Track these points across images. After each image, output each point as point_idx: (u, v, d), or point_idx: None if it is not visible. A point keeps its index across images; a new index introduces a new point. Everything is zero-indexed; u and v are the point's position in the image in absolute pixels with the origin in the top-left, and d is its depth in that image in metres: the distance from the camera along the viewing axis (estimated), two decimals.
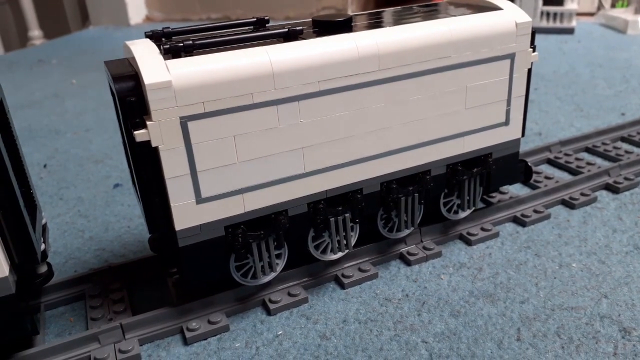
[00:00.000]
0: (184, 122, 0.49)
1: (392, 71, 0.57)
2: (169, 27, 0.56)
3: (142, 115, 0.48)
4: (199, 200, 0.52)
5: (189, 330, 0.57)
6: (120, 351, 0.54)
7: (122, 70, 0.49)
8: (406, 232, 0.67)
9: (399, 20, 0.61)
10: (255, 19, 0.60)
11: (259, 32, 0.53)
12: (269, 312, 0.60)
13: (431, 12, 0.66)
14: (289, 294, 0.61)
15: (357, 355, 0.54)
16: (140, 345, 0.56)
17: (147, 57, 0.48)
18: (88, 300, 0.62)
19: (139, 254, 0.72)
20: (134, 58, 0.49)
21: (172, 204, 0.51)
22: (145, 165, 0.50)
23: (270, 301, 0.60)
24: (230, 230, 0.55)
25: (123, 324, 0.56)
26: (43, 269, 0.55)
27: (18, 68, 1.93)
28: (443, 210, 0.70)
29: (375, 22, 0.61)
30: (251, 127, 0.52)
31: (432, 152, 0.63)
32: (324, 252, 0.63)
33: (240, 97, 0.50)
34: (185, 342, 0.57)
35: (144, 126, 0.48)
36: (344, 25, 0.58)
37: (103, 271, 0.65)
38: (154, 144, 0.48)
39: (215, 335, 0.57)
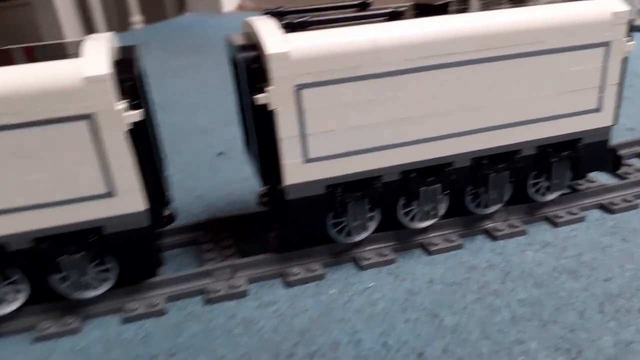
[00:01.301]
0: (298, 89, 0.55)
1: (488, 52, 0.61)
2: (283, 6, 0.63)
3: (262, 82, 0.55)
4: (306, 160, 0.59)
5: (290, 274, 0.64)
6: (232, 286, 0.62)
7: (244, 42, 0.57)
8: (493, 208, 0.71)
9: (496, 7, 0.65)
10: (359, 2, 0.66)
11: (365, 12, 0.59)
12: (360, 268, 0.66)
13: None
14: (379, 254, 0.67)
15: (442, 310, 0.59)
16: (248, 283, 0.64)
17: (268, 30, 0.55)
18: (201, 245, 0.71)
19: (243, 210, 0.80)
20: (255, 32, 0.56)
21: (283, 162, 0.58)
22: (262, 125, 0.57)
23: (362, 258, 0.66)
24: (330, 190, 0.61)
25: (233, 264, 0.64)
26: (167, 212, 0.64)
27: None
28: (531, 191, 0.73)
29: (473, 7, 0.65)
30: (355, 97, 0.57)
31: (523, 132, 0.66)
32: (412, 219, 0.68)
33: (348, 69, 0.56)
34: (287, 284, 0.64)
35: (264, 91, 0.55)
36: (442, 9, 0.63)
37: (212, 221, 0.74)
38: (272, 107, 0.55)
39: (313, 282, 0.64)
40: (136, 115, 0.52)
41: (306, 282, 0.64)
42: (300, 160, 0.58)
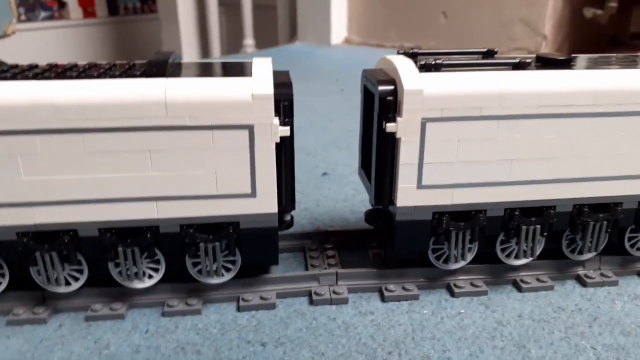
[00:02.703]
0: (424, 122, 0.62)
1: (601, 108, 0.65)
2: (415, 48, 0.70)
3: (394, 113, 0.62)
4: (419, 186, 0.65)
5: (387, 290, 0.70)
6: (334, 292, 0.69)
7: (383, 77, 0.64)
8: (587, 256, 0.74)
9: (610, 65, 0.69)
10: (485, 50, 0.72)
11: (494, 60, 0.65)
12: (452, 294, 0.71)
13: (632, 61, 0.72)
14: (472, 284, 0.71)
15: (530, 343, 0.62)
16: (348, 292, 0.70)
17: (406, 69, 0.62)
18: (307, 252, 0.78)
19: (344, 227, 0.87)
20: (392, 69, 0.64)
21: (399, 185, 0.65)
22: (385, 151, 0.64)
23: (455, 286, 0.71)
24: (436, 216, 0.67)
25: (338, 272, 0.71)
26: (287, 217, 0.72)
27: None
28: (627, 244, 0.75)
29: (590, 64, 0.69)
30: (474, 134, 0.63)
31: (627, 186, 0.69)
32: (508, 256, 0.72)
33: (472, 109, 0.62)
34: (383, 299, 0.70)
35: (394, 121, 0.62)
36: (564, 63, 0.68)
37: (320, 233, 0.82)
38: (398, 135, 0.62)
39: (407, 300, 0.69)
40: (286, 130, 0.61)
41: (401, 300, 0.69)
42: (413, 185, 0.65)
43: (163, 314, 0.67)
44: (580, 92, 0.63)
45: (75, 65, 0.64)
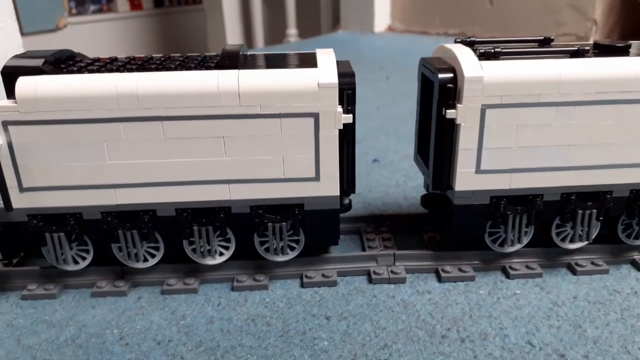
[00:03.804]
0: (483, 109, 0.64)
1: None
2: (473, 37, 0.72)
3: (454, 100, 0.65)
4: (477, 170, 0.67)
5: (444, 271, 0.72)
6: (392, 272, 0.72)
7: (442, 65, 0.67)
8: None
9: None
10: (542, 37, 0.73)
11: (552, 48, 0.67)
12: (507, 276, 0.73)
13: None
14: (527, 267, 0.73)
15: (585, 323, 0.64)
16: (405, 273, 0.73)
17: (466, 57, 0.64)
18: (364, 234, 0.82)
19: (397, 211, 0.90)
20: (451, 57, 0.66)
21: (457, 170, 0.67)
22: (446, 136, 0.67)
23: (511, 268, 0.73)
24: (494, 201, 0.69)
25: (395, 253, 0.74)
26: (346, 201, 0.75)
27: None
28: None
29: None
30: (532, 120, 0.65)
31: None
32: (563, 240, 0.74)
33: (530, 95, 0.64)
34: (439, 279, 0.72)
35: (454, 107, 0.64)
36: (622, 50, 0.68)
37: (375, 216, 0.85)
38: (458, 122, 0.65)
39: (463, 281, 0.72)
40: (349, 118, 0.64)
41: (457, 281, 0.72)
42: (472, 170, 0.67)
43: (233, 289, 0.71)
44: (638, 79, 0.64)
45: (151, 58, 0.69)
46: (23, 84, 0.62)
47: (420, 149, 0.78)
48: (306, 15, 3.37)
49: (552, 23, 2.44)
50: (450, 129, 0.66)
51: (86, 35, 3.41)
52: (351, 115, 0.65)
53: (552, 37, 0.73)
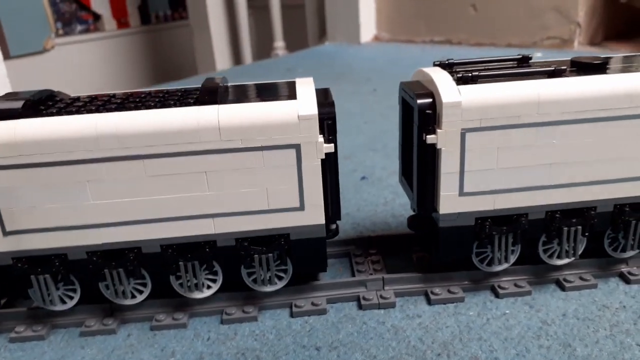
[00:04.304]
0: (463, 132, 0.64)
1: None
2: (452, 59, 0.72)
3: (433, 125, 0.65)
4: (461, 193, 0.67)
5: (433, 294, 0.72)
6: (382, 297, 0.72)
7: (421, 90, 0.67)
8: (630, 253, 0.75)
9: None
10: (520, 56, 0.73)
11: (529, 68, 0.67)
12: (496, 295, 0.73)
13: None
14: (515, 285, 0.73)
15: (575, 342, 0.64)
16: (395, 297, 0.73)
17: (444, 82, 0.65)
18: (353, 257, 0.82)
19: (386, 231, 0.90)
20: (430, 81, 0.66)
21: (441, 193, 0.67)
22: (426, 161, 0.67)
23: (500, 287, 0.73)
24: (479, 222, 0.69)
25: (384, 277, 0.74)
26: (333, 226, 0.75)
27: (273, 74, 2.31)
28: None
29: (628, 66, 0.70)
30: (512, 142, 0.65)
31: None
32: (551, 256, 0.74)
33: (510, 117, 0.64)
34: (429, 302, 0.72)
35: (434, 132, 0.65)
36: (599, 67, 0.69)
37: (363, 238, 0.85)
38: (438, 146, 0.65)
39: (452, 303, 0.72)
40: (330, 147, 0.64)
41: (447, 303, 0.72)
42: (455, 193, 0.67)
43: (222, 322, 0.71)
44: (617, 96, 0.65)
45: (131, 95, 0.69)
46: (2, 128, 0.61)
47: (405, 171, 0.78)
48: (293, 28, 3.38)
49: (537, 27, 2.46)
50: (431, 154, 0.66)
51: (74, 55, 3.41)
52: (332, 144, 0.65)
53: (530, 56, 0.73)
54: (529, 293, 0.73)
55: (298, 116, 0.62)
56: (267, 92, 0.68)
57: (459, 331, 0.67)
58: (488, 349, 0.64)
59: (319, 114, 0.63)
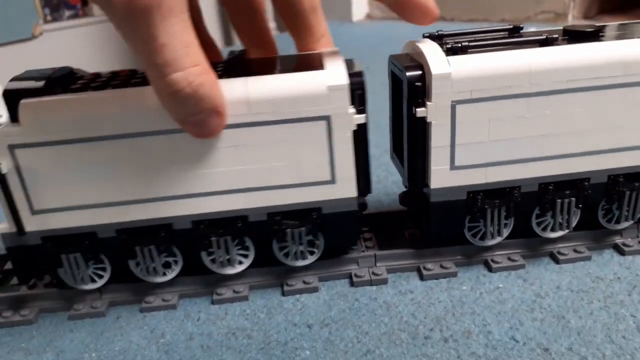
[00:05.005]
0: (454, 105, 0.63)
1: (635, 77, 0.64)
2: (441, 30, 0.71)
3: (423, 97, 0.63)
4: (452, 167, 0.66)
5: (425, 269, 0.72)
6: (374, 274, 0.71)
7: (410, 62, 0.65)
8: (624, 224, 0.74)
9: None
10: (511, 26, 0.72)
11: (521, 38, 0.65)
12: (490, 269, 0.72)
13: None
14: (509, 259, 0.73)
15: (569, 314, 0.63)
16: (387, 273, 0.72)
17: (433, 53, 0.63)
18: None
19: (379, 209, 0.89)
20: (419, 53, 0.65)
21: (432, 167, 0.66)
22: (417, 135, 0.65)
23: (493, 261, 0.72)
24: (471, 196, 0.68)
25: (376, 254, 0.73)
26: (361, 200, 0.73)
27: None
28: None
29: (622, 34, 0.69)
30: (504, 113, 0.64)
31: None
32: (544, 229, 0.73)
33: (501, 88, 0.62)
34: (421, 277, 0.72)
35: (424, 105, 0.63)
36: (592, 35, 0.67)
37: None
38: (428, 120, 0.63)
39: (445, 278, 0.71)
40: (361, 118, 0.63)
41: (439, 278, 0.71)
42: (447, 167, 0.66)
43: (212, 302, 0.70)
44: (610, 64, 0.63)
45: None
46: (26, 106, 0.60)
47: (396, 147, 0.77)
48: None
49: (530, 1, 2.43)
50: (422, 127, 0.65)
51: (63, 41, 3.35)
52: (363, 115, 0.63)
53: (521, 26, 0.71)
54: (522, 267, 0.72)
55: (328, 87, 0.60)
56: (294, 63, 0.66)
57: (452, 306, 0.66)
58: (481, 323, 0.63)
59: (350, 84, 0.61)
